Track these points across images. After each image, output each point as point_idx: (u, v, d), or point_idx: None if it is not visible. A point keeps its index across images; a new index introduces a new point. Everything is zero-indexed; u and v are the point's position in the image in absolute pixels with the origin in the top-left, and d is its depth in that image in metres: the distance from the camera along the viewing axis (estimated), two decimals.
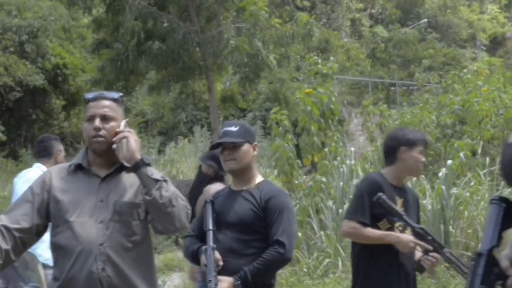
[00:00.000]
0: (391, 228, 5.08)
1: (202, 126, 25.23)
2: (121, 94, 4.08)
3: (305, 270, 10.78)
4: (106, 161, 3.90)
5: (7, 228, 3.74)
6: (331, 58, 20.90)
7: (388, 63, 36.95)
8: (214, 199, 4.74)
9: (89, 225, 3.76)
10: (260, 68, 17.47)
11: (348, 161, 11.99)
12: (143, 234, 3.90)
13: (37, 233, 3.87)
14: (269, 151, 16.90)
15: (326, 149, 13.18)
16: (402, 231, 5.08)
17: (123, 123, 3.89)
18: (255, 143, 4.76)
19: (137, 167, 3.75)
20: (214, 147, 4.90)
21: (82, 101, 23.94)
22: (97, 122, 3.82)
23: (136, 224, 3.85)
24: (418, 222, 5.25)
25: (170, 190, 3.75)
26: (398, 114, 20.31)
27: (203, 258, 4.46)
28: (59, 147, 7.28)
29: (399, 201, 5.13)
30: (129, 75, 18.31)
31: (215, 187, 6.17)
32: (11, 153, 24.26)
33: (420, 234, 4.80)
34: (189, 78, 18.30)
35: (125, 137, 3.79)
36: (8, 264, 3.80)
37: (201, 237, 4.62)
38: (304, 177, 13.06)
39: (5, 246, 3.69)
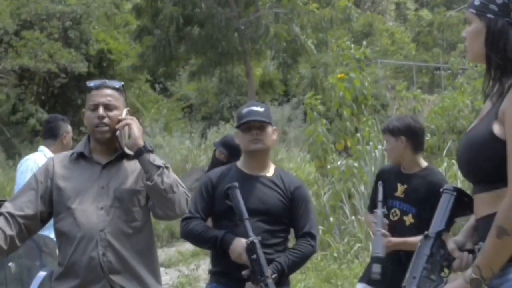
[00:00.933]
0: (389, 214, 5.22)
1: None
2: (122, 83, 4.15)
3: (335, 254, 10.84)
4: (108, 149, 3.99)
5: (11, 215, 3.83)
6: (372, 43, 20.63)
7: (432, 47, 36.57)
8: (221, 180, 4.59)
9: (90, 211, 3.85)
10: (298, 53, 17.47)
11: (379, 146, 11.96)
12: (144, 220, 3.98)
13: (42, 220, 3.96)
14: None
15: (358, 134, 13.16)
16: (399, 220, 5.15)
17: (125, 111, 3.97)
18: (275, 127, 4.70)
19: (140, 153, 3.83)
20: (242, 125, 4.60)
21: (126, 86, 24.45)
22: (101, 110, 3.90)
23: (136, 210, 3.93)
24: (431, 211, 5.10)
25: (171, 177, 3.82)
26: (439, 99, 20.12)
27: (244, 255, 4.31)
28: (66, 129, 7.00)
29: (401, 188, 5.19)
30: (169, 61, 18.45)
31: None
32: None
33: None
34: (228, 63, 18.37)
35: (127, 124, 3.88)
36: (13, 250, 3.90)
37: (206, 219, 4.58)
38: (339, 162, 13.04)
39: (10, 232, 3.78)
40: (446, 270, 3.10)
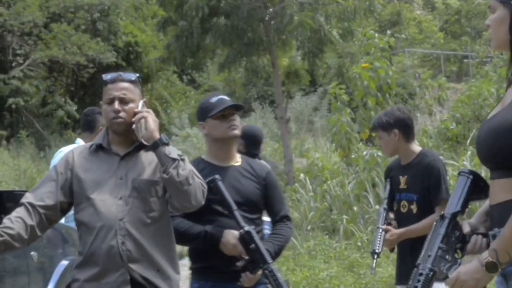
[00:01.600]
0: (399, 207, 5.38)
1: (272, 102, 25.40)
2: (137, 75, 4.19)
3: (359, 243, 10.89)
4: (126, 140, 4.05)
5: (32, 205, 3.91)
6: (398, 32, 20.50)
7: (460, 35, 36.29)
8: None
9: (109, 201, 3.92)
10: (323, 43, 17.45)
11: None
12: (161, 210, 4.03)
13: (62, 210, 4.04)
14: None
15: None
16: (408, 210, 5.28)
17: (141, 103, 4.02)
18: None
19: (156, 146, 3.88)
20: (219, 112, 4.48)
21: (154, 77, 24.26)
22: (116, 104, 3.96)
23: (154, 201, 3.99)
24: (431, 193, 5.19)
25: (187, 169, 3.86)
26: (466, 87, 20.04)
27: (239, 246, 4.28)
28: (102, 122, 6.73)
29: (403, 179, 5.35)
30: (196, 52, 18.51)
31: None
32: None
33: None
34: (254, 54, 18.39)
35: (143, 117, 3.93)
36: (34, 240, 3.97)
37: (187, 216, 4.39)
38: (365, 152, 13.07)
39: (30, 222, 3.86)
40: (459, 252, 3.12)
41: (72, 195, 4.02)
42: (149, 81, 28.18)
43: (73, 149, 4.23)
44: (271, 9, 17.59)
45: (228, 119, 4.48)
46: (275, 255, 4.45)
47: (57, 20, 25.04)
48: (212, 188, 4.29)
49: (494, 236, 2.99)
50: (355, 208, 12.03)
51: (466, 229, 3.13)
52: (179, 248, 13.06)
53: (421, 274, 3.05)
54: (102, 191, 3.95)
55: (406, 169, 5.35)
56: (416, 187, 5.25)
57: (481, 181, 3.21)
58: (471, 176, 3.23)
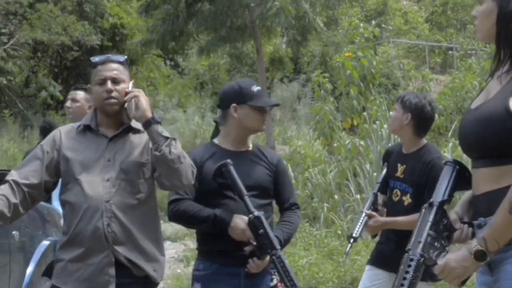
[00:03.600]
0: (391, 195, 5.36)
1: None
2: (126, 57, 4.22)
3: (339, 232, 10.94)
4: (115, 122, 4.08)
5: (16, 182, 3.93)
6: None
7: (445, 27, 36.38)
8: (206, 159, 4.49)
9: (96, 183, 3.95)
10: (307, 30, 17.43)
11: (386, 125, 12.03)
12: (148, 192, 4.07)
13: (46, 190, 4.06)
14: None
15: (365, 113, 13.22)
16: (399, 200, 5.25)
17: (131, 84, 4.07)
18: None
19: (148, 124, 3.91)
20: (262, 106, 4.52)
21: (139, 60, 24.12)
22: (109, 84, 3.99)
23: (141, 182, 4.03)
24: (427, 191, 4.92)
25: (178, 148, 3.91)
26: (450, 79, 20.14)
27: (247, 231, 4.27)
28: None
29: (400, 168, 5.28)
30: (179, 36, 18.45)
31: None
32: None
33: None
34: (238, 40, 18.35)
35: (135, 96, 3.96)
36: (17, 218, 3.99)
37: (195, 199, 4.45)
38: (347, 141, 13.11)
39: (14, 200, 3.88)
40: (446, 240, 3.16)
41: (58, 174, 4.05)
42: (133, 63, 28.08)
43: (60, 128, 4.22)
44: None
45: (265, 113, 4.53)
46: (285, 242, 4.45)
47: (42, 0, 24.84)
48: (224, 172, 4.31)
49: (479, 226, 3.05)
50: (336, 196, 12.06)
51: (453, 216, 3.17)
52: (168, 230, 12.84)
53: (412, 260, 3.09)
54: (89, 172, 3.97)
55: (407, 158, 5.27)
56: (413, 181, 5.17)
57: (466, 172, 3.24)
58: (457, 167, 3.27)
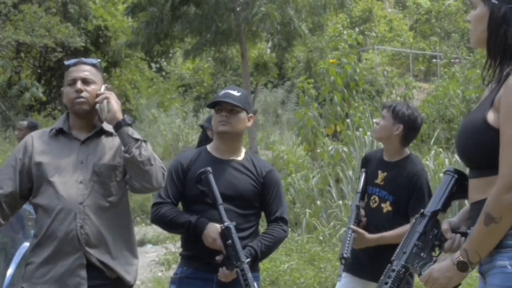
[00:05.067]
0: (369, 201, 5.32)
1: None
2: (99, 60, 4.27)
3: (320, 237, 10.95)
4: (87, 125, 4.10)
5: None
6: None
7: (429, 35, 36.56)
8: (191, 164, 4.53)
9: (69, 185, 3.95)
10: (292, 36, 17.48)
11: (369, 132, 12.07)
12: (120, 194, 4.08)
13: (22, 197, 4.07)
14: None
15: (348, 120, 13.26)
16: (378, 206, 5.22)
17: (103, 87, 4.07)
18: (251, 114, 4.61)
19: (119, 126, 3.93)
20: (212, 105, 4.59)
21: (122, 62, 24.03)
22: (79, 84, 4.01)
23: (113, 185, 4.04)
24: (407, 200, 5.08)
25: (148, 150, 3.93)
26: (433, 87, 20.26)
27: (218, 241, 4.26)
28: None
29: (381, 175, 5.24)
30: (163, 39, 18.45)
31: None
32: (52, 112, 24.68)
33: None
34: (223, 44, 18.37)
35: (106, 97, 3.98)
36: None
37: (177, 204, 4.53)
38: (330, 147, 13.13)
39: None
40: (437, 250, 3.16)
41: (31, 180, 4.02)
42: (117, 65, 28.03)
43: (32, 134, 4.22)
44: (241, 0, 17.55)
45: (221, 113, 4.48)
46: (261, 254, 4.44)
47: (27, 1, 24.74)
48: (202, 180, 4.32)
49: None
50: (318, 202, 12.07)
51: (444, 227, 3.15)
52: (141, 234, 12.92)
53: (393, 271, 3.10)
54: (62, 175, 3.97)
55: (389, 166, 5.24)
56: (394, 189, 5.15)
57: (466, 180, 3.20)
58: (455, 175, 3.25)
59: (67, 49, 24.70)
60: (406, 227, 4.71)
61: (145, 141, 3.96)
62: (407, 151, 5.33)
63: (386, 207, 5.17)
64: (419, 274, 3.08)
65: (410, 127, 5.17)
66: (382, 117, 5.32)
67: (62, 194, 3.92)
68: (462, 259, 2.91)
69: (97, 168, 4.00)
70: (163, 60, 31.18)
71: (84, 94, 4.00)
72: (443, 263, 2.99)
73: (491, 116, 2.91)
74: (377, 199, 5.24)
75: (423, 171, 5.18)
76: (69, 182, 3.95)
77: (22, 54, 26.71)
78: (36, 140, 4.09)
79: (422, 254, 3.12)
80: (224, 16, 17.35)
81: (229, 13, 17.41)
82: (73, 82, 4.03)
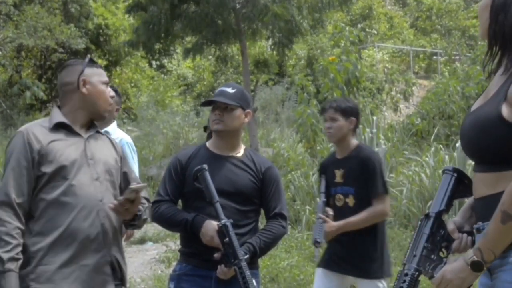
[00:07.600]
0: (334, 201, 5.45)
1: None
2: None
3: None
4: (88, 122, 4.02)
5: (19, 204, 3.72)
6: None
7: (430, 32, 36.53)
8: (190, 161, 4.54)
9: (87, 181, 3.81)
10: (293, 33, 17.45)
11: (368, 129, 12.09)
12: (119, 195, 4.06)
13: None
14: None
15: None
16: (344, 204, 5.35)
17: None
18: (249, 110, 4.58)
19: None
20: (205, 104, 4.61)
21: (123, 61, 24.05)
22: (112, 92, 4.18)
23: (118, 184, 4.03)
24: (369, 186, 5.26)
25: (146, 213, 4.10)
26: (434, 84, 20.23)
27: (215, 238, 4.26)
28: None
29: (339, 173, 5.40)
30: (164, 38, 18.43)
31: None
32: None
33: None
34: (224, 42, 18.35)
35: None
36: None
37: (176, 201, 4.58)
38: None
39: (20, 225, 3.71)
40: (444, 251, 3.12)
41: (39, 176, 3.77)
42: (117, 64, 28.06)
43: (27, 129, 3.87)
44: None
45: (215, 111, 4.50)
46: (260, 250, 4.44)
47: (28, 1, 24.72)
48: (199, 177, 4.31)
49: (478, 230, 3.01)
50: (318, 199, 12.06)
51: (450, 227, 3.13)
52: (142, 232, 12.91)
53: (406, 275, 3.05)
54: (79, 171, 3.81)
55: (343, 162, 5.41)
56: (354, 180, 5.31)
57: (465, 179, 3.22)
58: (455, 174, 3.24)
59: (68, 50, 24.70)
60: (369, 210, 5.17)
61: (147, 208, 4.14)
62: (355, 141, 5.51)
63: (351, 200, 5.33)
64: (431, 277, 3.04)
65: (358, 116, 5.48)
66: (330, 120, 5.46)
67: (82, 191, 3.78)
68: (476, 259, 2.85)
69: (107, 167, 3.94)
70: (163, 58, 31.19)
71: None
72: (455, 264, 2.94)
73: (505, 111, 2.87)
74: (341, 196, 5.39)
75: (373, 154, 5.48)
76: (85, 179, 3.82)
77: (23, 53, 26.73)
78: (39, 135, 3.82)
79: (432, 256, 3.08)
80: (224, 14, 17.32)
81: (229, 11, 17.37)
82: (107, 85, 4.06)
